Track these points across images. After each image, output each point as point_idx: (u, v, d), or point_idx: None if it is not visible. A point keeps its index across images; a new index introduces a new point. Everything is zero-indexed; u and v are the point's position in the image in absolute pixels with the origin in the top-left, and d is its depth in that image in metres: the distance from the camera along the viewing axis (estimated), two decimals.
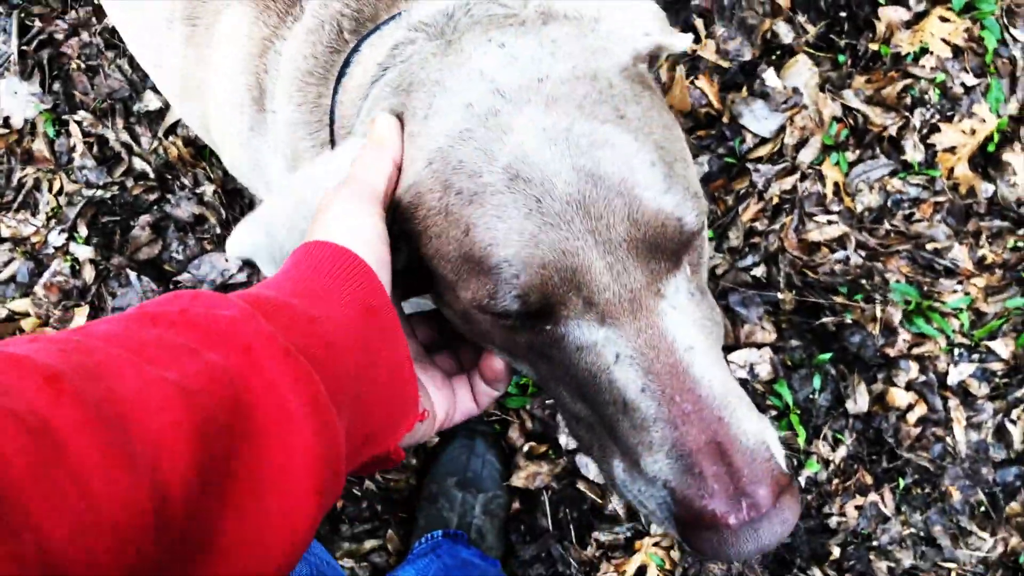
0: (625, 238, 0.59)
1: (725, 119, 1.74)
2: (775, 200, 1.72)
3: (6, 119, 1.75)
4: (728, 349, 1.67)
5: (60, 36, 1.77)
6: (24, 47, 1.77)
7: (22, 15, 1.77)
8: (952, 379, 1.67)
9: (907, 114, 1.72)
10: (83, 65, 1.76)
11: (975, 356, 1.68)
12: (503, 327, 0.64)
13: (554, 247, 0.58)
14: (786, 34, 1.75)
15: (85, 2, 1.77)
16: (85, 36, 1.76)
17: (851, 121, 1.74)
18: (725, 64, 1.75)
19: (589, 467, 1.64)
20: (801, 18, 1.76)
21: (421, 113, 0.65)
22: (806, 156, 1.72)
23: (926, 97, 1.73)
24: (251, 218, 0.73)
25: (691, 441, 0.57)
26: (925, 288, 1.68)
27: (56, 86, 1.76)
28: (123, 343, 0.45)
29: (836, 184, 1.71)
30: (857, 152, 1.73)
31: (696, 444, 0.57)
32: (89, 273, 1.71)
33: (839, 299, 1.67)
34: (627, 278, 0.59)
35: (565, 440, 1.64)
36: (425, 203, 0.63)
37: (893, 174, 1.73)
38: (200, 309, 0.51)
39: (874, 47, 1.74)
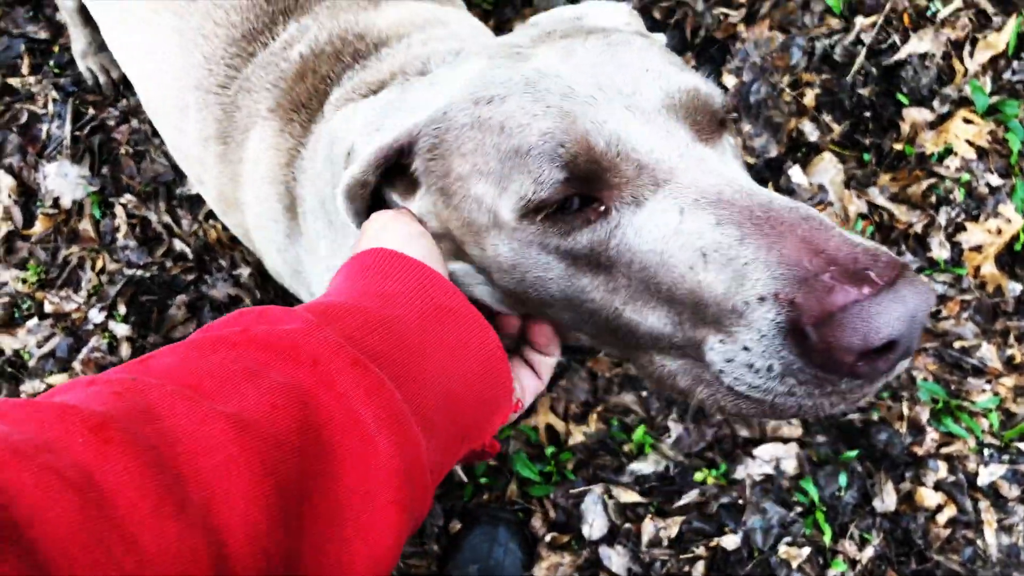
0: (663, 105, 0.60)
1: None
2: None
3: (56, 200, 1.84)
4: (754, 443, 1.69)
5: (112, 122, 1.87)
6: (77, 132, 1.87)
7: (77, 102, 1.88)
8: (982, 480, 1.67)
9: (932, 212, 1.76)
10: (131, 150, 1.86)
11: (1005, 457, 1.68)
12: (557, 235, 0.60)
13: (593, 119, 0.58)
14: (811, 132, 1.81)
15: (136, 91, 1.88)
16: (135, 123, 1.86)
17: (877, 218, 1.78)
18: (751, 160, 1.81)
19: (612, 559, 1.65)
20: (826, 117, 1.82)
21: (447, 67, 0.72)
22: None
23: (951, 196, 1.77)
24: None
25: (788, 243, 0.52)
26: (953, 387, 1.69)
27: (105, 170, 1.86)
28: (181, 378, 0.45)
29: None
30: None
31: (794, 243, 0.52)
32: (125, 350, 1.78)
33: None
34: (673, 138, 0.59)
35: (588, 530, 1.66)
36: (455, 123, 0.63)
37: (919, 271, 1.76)
38: (264, 326, 0.51)
39: (899, 147, 1.79)
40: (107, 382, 0.44)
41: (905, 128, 1.79)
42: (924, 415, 1.67)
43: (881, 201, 1.78)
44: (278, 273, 1.12)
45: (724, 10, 1.86)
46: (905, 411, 1.67)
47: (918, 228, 1.76)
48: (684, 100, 0.61)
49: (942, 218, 1.76)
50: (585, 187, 0.59)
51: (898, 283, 0.49)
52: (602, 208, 0.59)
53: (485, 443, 0.60)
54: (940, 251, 1.76)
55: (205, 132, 1.08)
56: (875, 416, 1.68)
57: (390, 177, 0.71)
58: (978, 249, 1.75)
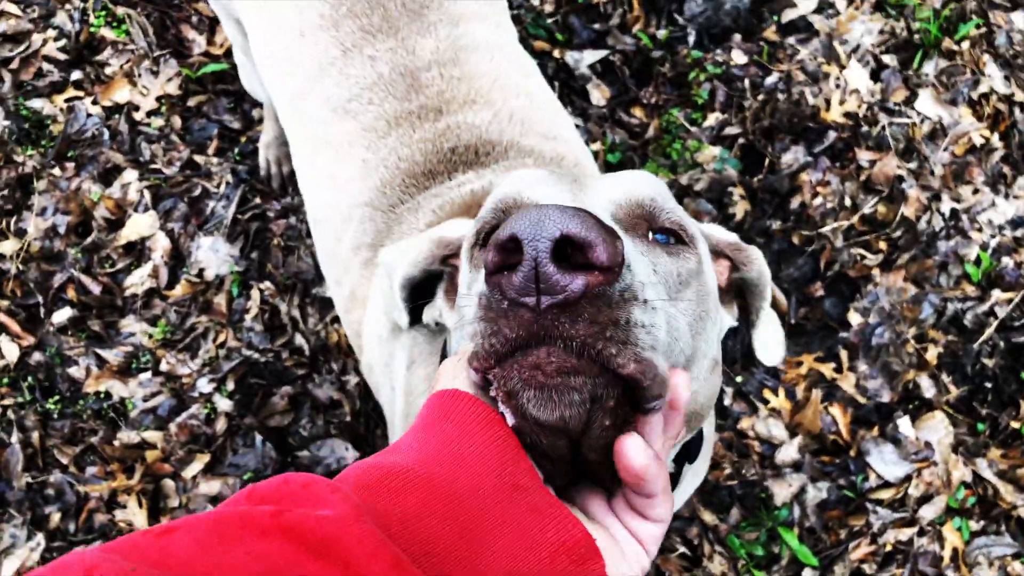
0: (608, 198, 0.74)
1: (852, 453, 1.83)
2: (888, 547, 1.75)
3: (201, 270, 2.03)
4: None
5: (271, 214, 2.08)
6: (238, 215, 2.09)
7: (247, 189, 2.11)
8: None
9: None
10: (282, 243, 2.05)
11: None
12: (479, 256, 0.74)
13: (535, 191, 0.76)
14: (928, 388, 1.87)
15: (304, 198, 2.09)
16: (292, 220, 2.06)
17: (980, 490, 1.80)
18: (861, 400, 1.87)
19: None
20: (946, 377, 1.88)
21: None
22: (928, 512, 1.77)
23: None
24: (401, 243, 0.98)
25: None
26: None
27: (253, 254, 2.05)
28: (192, 570, 0.43)
29: (955, 550, 1.74)
30: (982, 523, 1.77)
31: None
32: (221, 425, 1.90)
33: None
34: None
35: None
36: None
37: (1016, 557, 1.74)
38: (300, 510, 0.48)
39: (1015, 425, 1.83)
40: (104, 573, 0.41)
41: None
42: None
43: (988, 474, 1.80)
44: (369, 366, 1.24)
45: (862, 251, 1.98)
46: None
47: (1022, 512, 1.77)
48: (621, 199, 0.74)
49: None
50: (503, 218, 0.75)
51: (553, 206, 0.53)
52: None
53: None
54: None
55: (361, 241, 1.23)
56: None
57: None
58: None
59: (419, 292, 0.93)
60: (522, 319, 0.53)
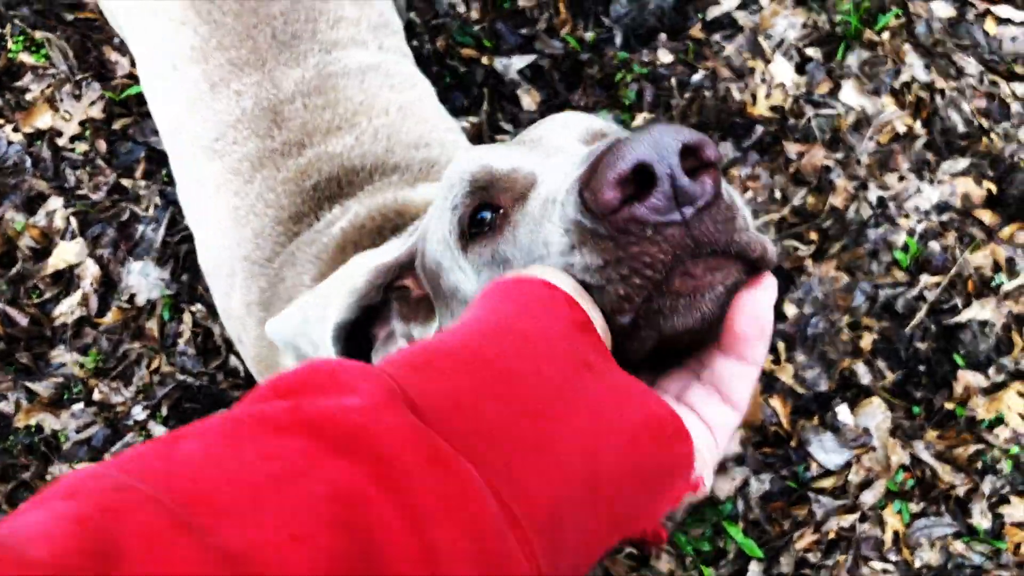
0: (565, 143, 0.72)
1: (793, 443, 1.86)
2: (832, 535, 1.78)
3: (132, 296, 2.01)
4: None
5: None
6: (168, 238, 2.07)
7: (176, 211, 2.09)
8: None
9: (977, 479, 1.81)
10: None
11: None
12: (489, 252, 0.68)
13: (500, 156, 0.70)
14: (864, 375, 1.90)
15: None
16: None
17: (919, 473, 1.83)
18: (800, 390, 1.90)
19: None
20: (881, 363, 1.92)
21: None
22: (869, 497, 1.80)
23: (998, 466, 1.81)
24: (290, 308, 0.89)
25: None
26: None
27: (184, 277, 2.03)
28: (194, 482, 0.37)
29: (896, 533, 1.77)
30: (921, 505, 1.81)
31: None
32: None
33: None
34: (559, 155, 0.69)
35: None
36: (430, 225, 0.77)
37: (957, 536, 1.78)
38: (323, 402, 0.42)
39: (949, 406, 1.87)
40: (86, 494, 0.35)
41: (958, 389, 1.87)
42: None
43: (925, 456, 1.83)
44: None
45: (795, 243, 2.02)
46: None
47: (960, 492, 1.80)
48: (582, 135, 0.74)
49: (986, 487, 1.80)
50: (486, 195, 0.69)
51: (652, 126, 0.53)
52: (503, 213, 0.68)
53: (647, 530, 0.51)
54: (981, 519, 1.78)
55: (249, 298, 1.19)
56: None
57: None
58: (1021, 526, 1.77)
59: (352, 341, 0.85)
60: (673, 238, 0.53)
